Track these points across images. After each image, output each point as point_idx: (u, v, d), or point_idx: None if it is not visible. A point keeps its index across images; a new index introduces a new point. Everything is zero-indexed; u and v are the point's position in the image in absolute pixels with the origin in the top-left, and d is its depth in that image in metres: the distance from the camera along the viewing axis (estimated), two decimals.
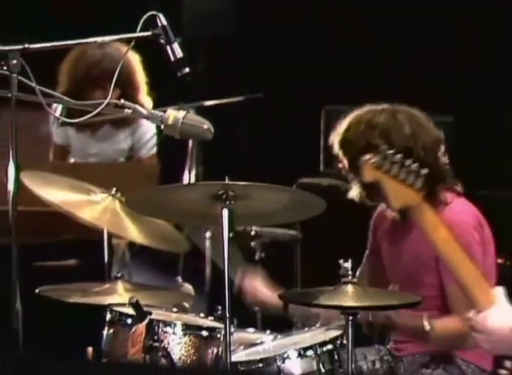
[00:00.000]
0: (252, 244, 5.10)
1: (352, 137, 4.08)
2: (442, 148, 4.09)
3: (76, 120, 3.83)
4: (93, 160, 5.45)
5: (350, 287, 3.85)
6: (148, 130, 5.31)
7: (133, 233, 4.09)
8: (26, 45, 3.42)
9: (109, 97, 3.60)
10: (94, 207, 4.07)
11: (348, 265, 3.91)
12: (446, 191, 4.10)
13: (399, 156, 2.90)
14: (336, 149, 4.15)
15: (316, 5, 6.60)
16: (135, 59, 5.21)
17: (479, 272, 2.83)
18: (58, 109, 5.01)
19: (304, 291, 4.30)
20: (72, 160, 5.49)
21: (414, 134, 4.04)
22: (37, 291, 3.93)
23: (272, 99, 5.59)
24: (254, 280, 4.35)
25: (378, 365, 4.25)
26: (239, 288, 4.24)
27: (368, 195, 4.07)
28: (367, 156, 2.93)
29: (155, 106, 5.21)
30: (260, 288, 4.35)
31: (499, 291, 2.81)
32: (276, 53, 6.68)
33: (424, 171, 2.90)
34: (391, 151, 2.91)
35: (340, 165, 4.35)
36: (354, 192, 4.12)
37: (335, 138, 4.15)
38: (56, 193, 4.04)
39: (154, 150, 5.39)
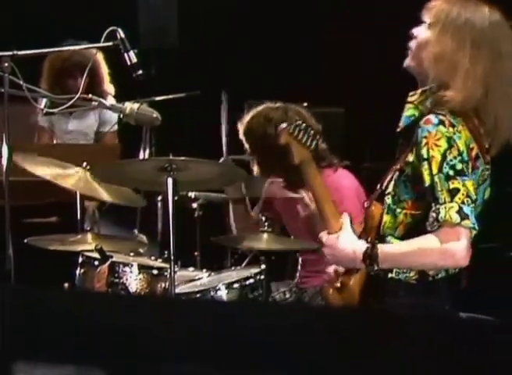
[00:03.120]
0: (192, 205, 5.10)
1: (252, 128, 4.11)
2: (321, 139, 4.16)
3: (55, 110, 3.81)
4: (70, 136, 5.42)
5: (265, 235, 3.90)
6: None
7: (102, 194, 4.05)
8: (15, 52, 3.40)
9: (82, 85, 3.61)
10: (71, 177, 4.04)
11: (264, 219, 3.96)
12: (331, 165, 4.16)
13: (304, 125, 2.97)
14: (241, 135, 4.20)
15: (238, 19, 6.61)
16: (99, 55, 5.18)
17: (336, 207, 2.93)
18: (43, 101, 4.98)
19: (233, 237, 4.36)
20: (54, 141, 5.46)
21: None
22: (25, 240, 3.89)
23: (207, 95, 5.56)
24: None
25: (287, 295, 4.29)
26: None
27: (262, 172, 4.14)
28: (283, 125, 3.00)
29: (118, 100, 5.19)
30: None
31: (346, 219, 2.87)
32: (209, 60, 6.68)
33: (318, 137, 2.98)
34: (299, 122, 2.99)
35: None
36: (255, 169, 4.19)
37: (240, 127, 4.19)
38: (42, 169, 4.01)
39: (116, 127, 5.37)
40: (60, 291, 2.37)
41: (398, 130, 2.87)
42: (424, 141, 2.70)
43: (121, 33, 3.53)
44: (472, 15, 2.78)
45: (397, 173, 2.81)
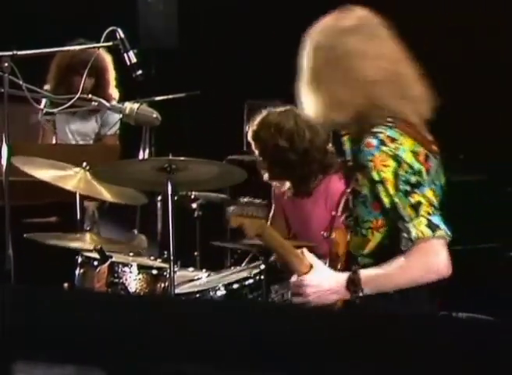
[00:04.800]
0: (192, 205, 5.10)
1: (263, 136, 4.08)
2: (330, 144, 4.15)
3: (55, 110, 3.81)
4: (71, 136, 5.42)
5: None
6: (113, 113, 5.29)
7: (103, 193, 4.05)
8: (15, 52, 3.40)
9: (82, 83, 3.61)
10: (72, 179, 4.03)
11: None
12: (338, 171, 4.17)
13: (246, 200, 2.95)
14: (250, 139, 4.18)
15: (238, 19, 6.60)
16: (107, 58, 5.19)
17: (295, 249, 2.89)
18: (43, 101, 4.99)
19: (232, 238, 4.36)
20: (55, 141, 5.48)
21: (311, 139, 4.06)
22: (25, 235, 3.88)
23: (207, 95, 5.58)
24: None
25: (286, 296, 4.30)
26: None
27: (272, 178, 4.14)
28: (231, 208, 2.97)
29: (118, 100, 5.19)
30: None
31: (311, 256, 2.83)
32: (209, 60, 6.68)
33: (264, 203, 2.96)
34: (243, 200, 2.96)
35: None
36: (265, 175, 4.17)
37: (249, 132, 4.16)
38: (42, 172, 4.01)
39: (117, 129, 5.37)
40: (60, 291, 2.37)
41: (349, 164, 2.83)
42: (371, 164, 2.65)
43: (121, 33, 3.53)
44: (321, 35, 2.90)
45: (352, 196, 2.78)
